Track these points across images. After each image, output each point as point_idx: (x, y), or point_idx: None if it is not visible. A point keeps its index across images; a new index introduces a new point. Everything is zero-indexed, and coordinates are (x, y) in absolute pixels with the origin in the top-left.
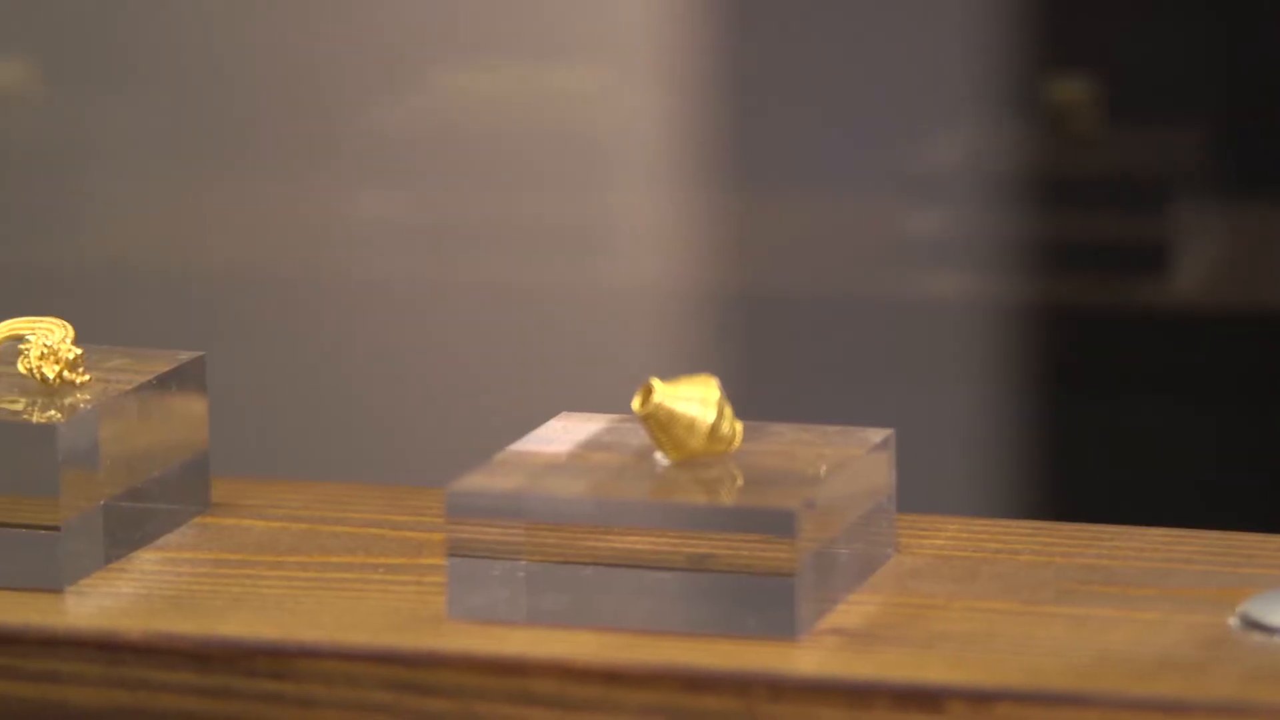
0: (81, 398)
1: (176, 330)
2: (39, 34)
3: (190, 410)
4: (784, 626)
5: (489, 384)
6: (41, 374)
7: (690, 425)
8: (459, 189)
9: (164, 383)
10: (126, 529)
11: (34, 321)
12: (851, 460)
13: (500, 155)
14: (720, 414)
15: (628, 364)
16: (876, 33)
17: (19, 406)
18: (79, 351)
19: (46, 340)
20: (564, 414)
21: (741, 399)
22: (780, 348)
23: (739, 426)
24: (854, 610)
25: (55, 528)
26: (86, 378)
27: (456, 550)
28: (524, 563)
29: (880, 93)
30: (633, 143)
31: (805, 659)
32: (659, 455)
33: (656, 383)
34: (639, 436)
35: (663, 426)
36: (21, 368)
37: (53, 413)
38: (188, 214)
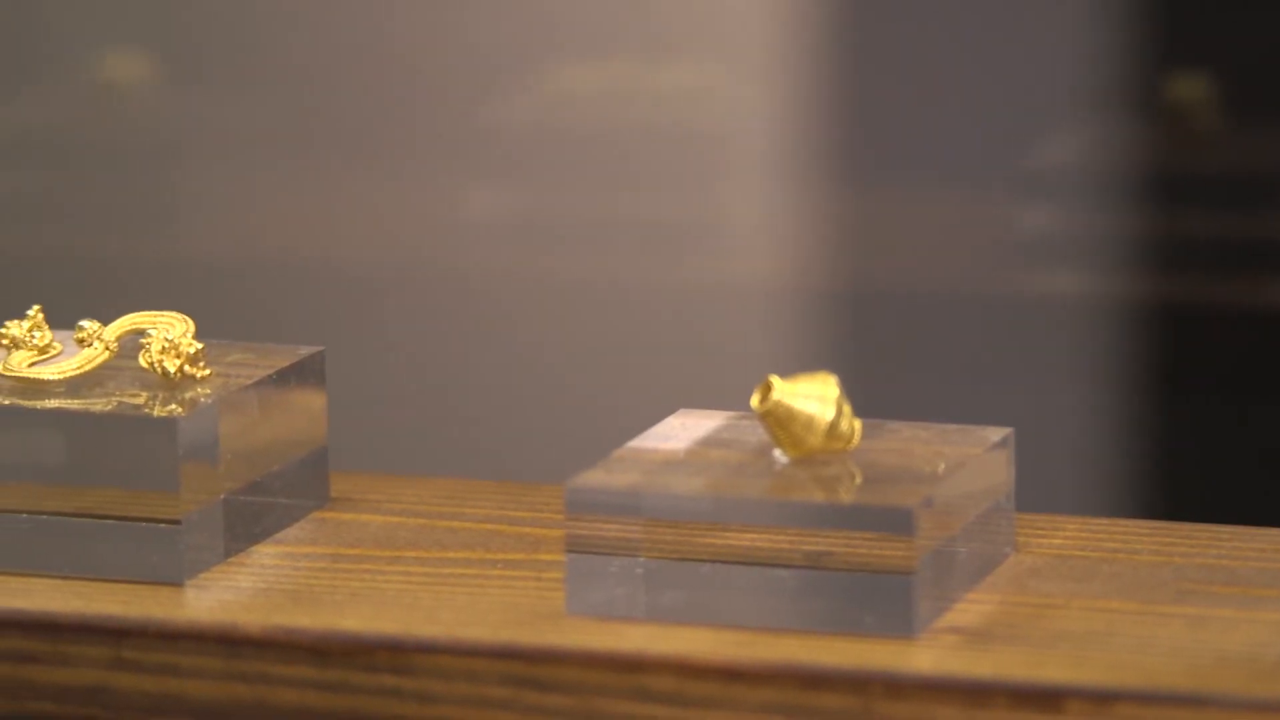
0: (202, 392)
1: (296, 325)
2: (159, 28)
3: (309, 405)
4: (902, 625)
5: (605, 380)
6: (163, 368)
7: (809, 423)
8: (573, 186)
9: (284, 377)
10: (246, 523)
11: (155, 316)
12: (970, 459)
13: (613, 152)
14: (839, 412)
15: (743, 361)
16: (993, 30)
17: (140, 401)
18: (200, 346)
19: (168, 334)
20: (682, 411)
21: (856, 396)
22: (894, 345)
23: (857, 424)
24: (972, 609)
25: (176, 522)
26: (207, 372)
27: (575, 546)
28: (642, 559)
29: (997, 89)
30: (746, 139)
31: (923, 657)
32: (777, 452)
33: (775, 380)
34: (757, 434)
35: (781, 424)
36: (143, 362)
37: (174, 407)
38: (308, 209)
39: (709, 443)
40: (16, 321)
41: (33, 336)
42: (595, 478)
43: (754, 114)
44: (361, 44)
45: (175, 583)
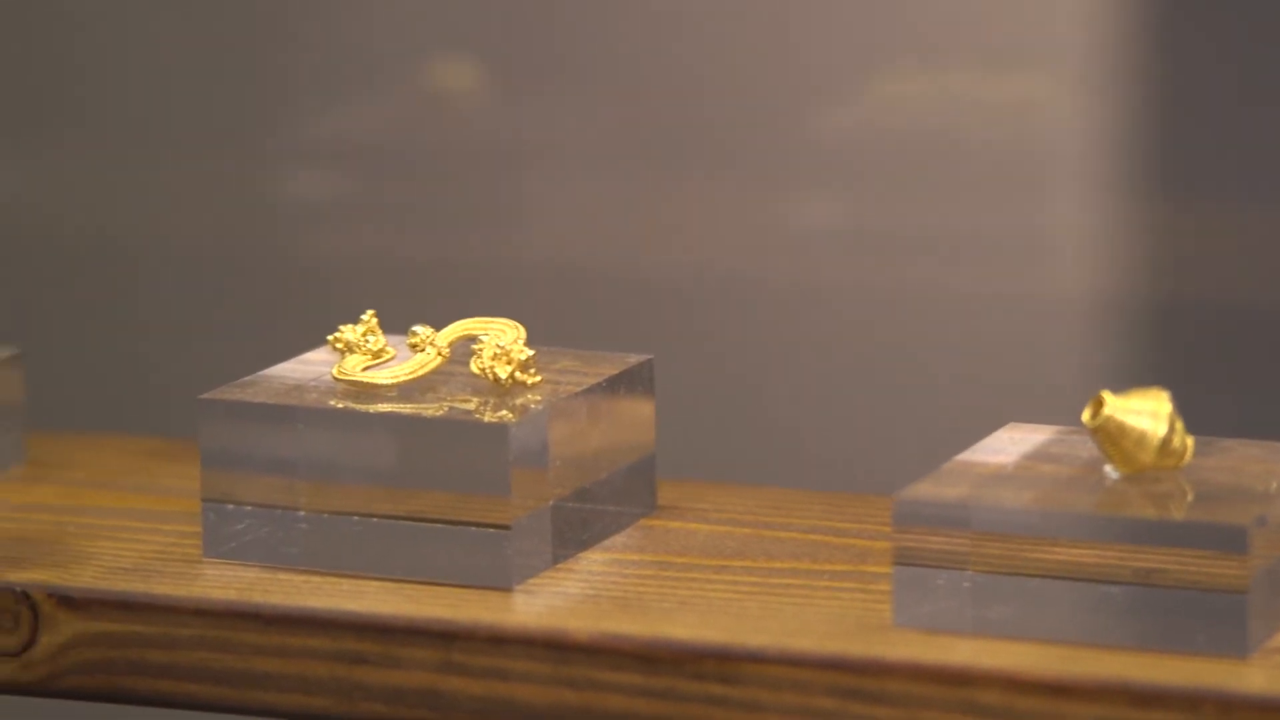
0: (532, 398)
1: (625, 332)
2: (489, 36)
3: (638, 413)
4: (1234, 644)
5: (929, 392)
6: (494, 374)
7: (1140, 439)
8: (900, 197)
9: (613, 385)
10: (574, 529)
11: (487, 322)
12: None
13: (938, 163)
14: (1171, 428)
15: (1068, 374)
16: None
17: (471, 406)
18: (531, 353)
19: (499, 341)
20: (1012, 424)
21: (1182, 412)
22: (1219, 359)
23: (1189, 441)
24: None
25: (505, 527)
26: (538, 379)
27: (903, 559)
28: (970, 572)
29: None
30: (1069, 151)
31: (1256, 677)
32: (1108, 468)
33: (1108, 395)
34: (1088, 449)
35: (1112, 439)
36: (474, 367)
37: (504, 413)
38: (636, 217)
39: (1038, 456)
40: (350, 326)
41: (366, 341)
42: (924, 490)
43: (1079, 126)
44: (693, 51)
45: (504, 587)
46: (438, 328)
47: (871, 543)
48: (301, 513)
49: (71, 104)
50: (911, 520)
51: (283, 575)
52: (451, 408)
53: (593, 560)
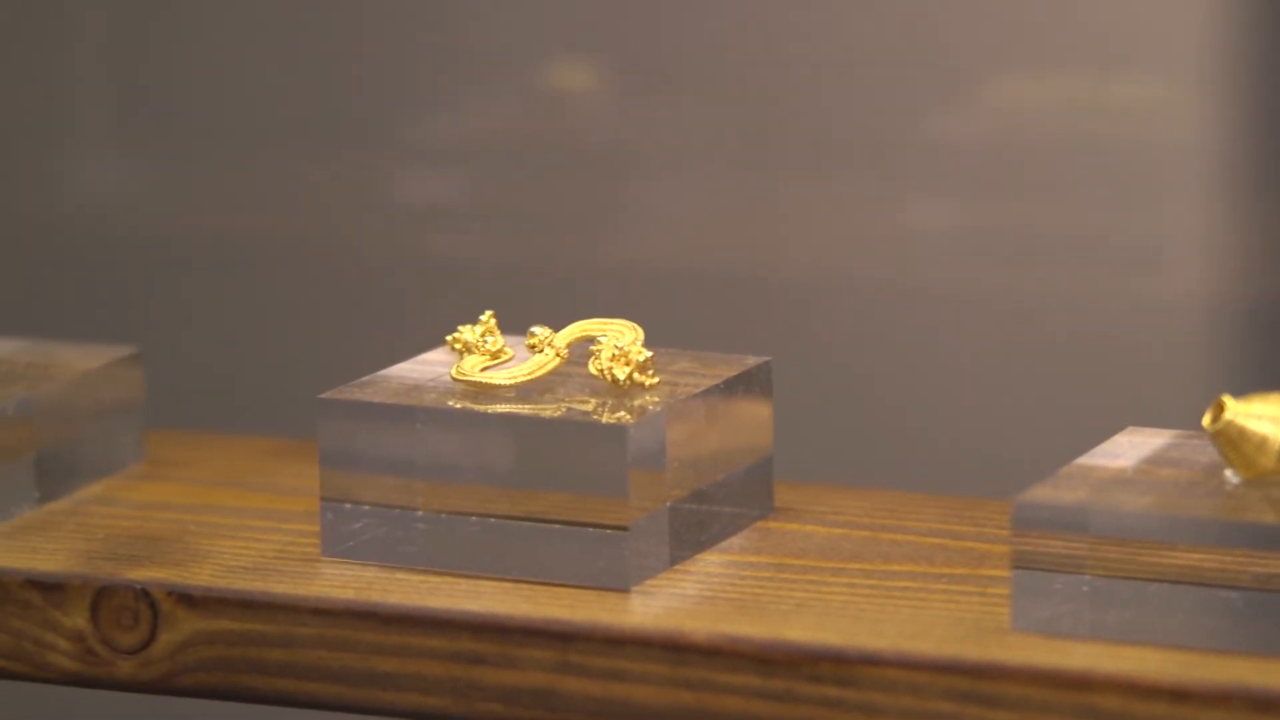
0: (650, 400)
1: (743, 335)
2: (607, 38)
3: (755, 415)
4: None
5: (1047, 395)
6: (612, 375)
7: (1261, 443)
8: (1014, 199)
9: (731, 387)
10: (692, 531)
11: (605, 323)
12: None
13: (1054, 165)
14: None
15: (1186, 378)
16: None
17: (589, 407)
18: (649, 354)
19: (618, 342)
20: (1130, 428)
21: None
22: None
23: None
24: None
25: (623, 528)
26: (655, 380)
27: (1021, 562)
28: (1088, 577)
29: None
30: (1187, 153)
31: None
32: (1228, 473)
33: (1228, 400)
34: (1207, 453)
35: (1233, 444)
36: (593, 368)
37: (622, 414)
38: (754, 219)
39: (1157, 461)
40: (469, 326)
41: (485, 341)
42: (1043, 494)
43: (1196, 127)
44: (809, 53)
45: (621, 588)
46: (556, 329)
47: (990, 546)
48: (419, 513)
49: (194, 105)
50: (1030, 524)
51: (400, 575)
52: (569, 409)
53: (710, 562)
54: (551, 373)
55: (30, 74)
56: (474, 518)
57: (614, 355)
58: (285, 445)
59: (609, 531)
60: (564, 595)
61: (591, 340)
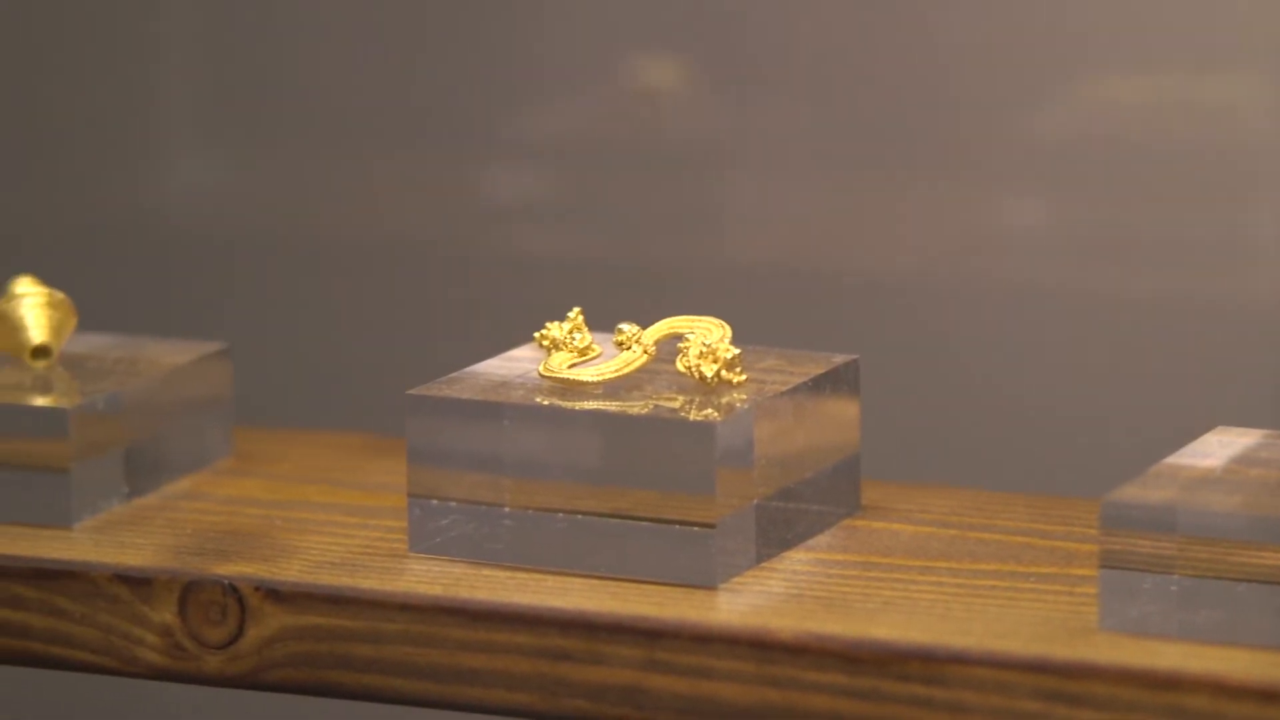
0: (738, 397)
1: (830, 332)
2: (698, 34)
3: (843, 413)
4: None
5: (1136, 395)
6: (700, 372)
7: None
8: (1107, 199)
9: (818, 384)
10: (778, 528)
11: (693, 320)
12: None
13: (1148, 166)
14: None
15: (1276, 378)
16: None
17: (677, 404)
18: (737, 351)
19: (705, 339)
20: (1220, 428)
21: None
22: None
23: None
24: None
25: (710, 525)
26: (743, 378)
27: (1109, 562)
28: (1177, 576)
29: None
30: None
31: None
32: None
33: None
34: None
35: None
36: (680, 366)
37: (710, 411)
38: (842, 217)
39: (1246, 460)
40: (557, 323)
41: (573, 338)
42: (1132, 493)
43: None
44: (903, 51)
45: (708, 586)
46: (644, 326)
47: (1078, 545)
48: (506, 509)
49: (283, 102)
50: (1119, 523)
51: (487, 571)
52: (657, 406)
53: (796, 560)
54: (639, 370)
55: (120, 73)
56: (561, 514)
57: (702, 352)
58: (373, 441)
59: (696, 529)
60: (651, 592)
61: (679, 337)
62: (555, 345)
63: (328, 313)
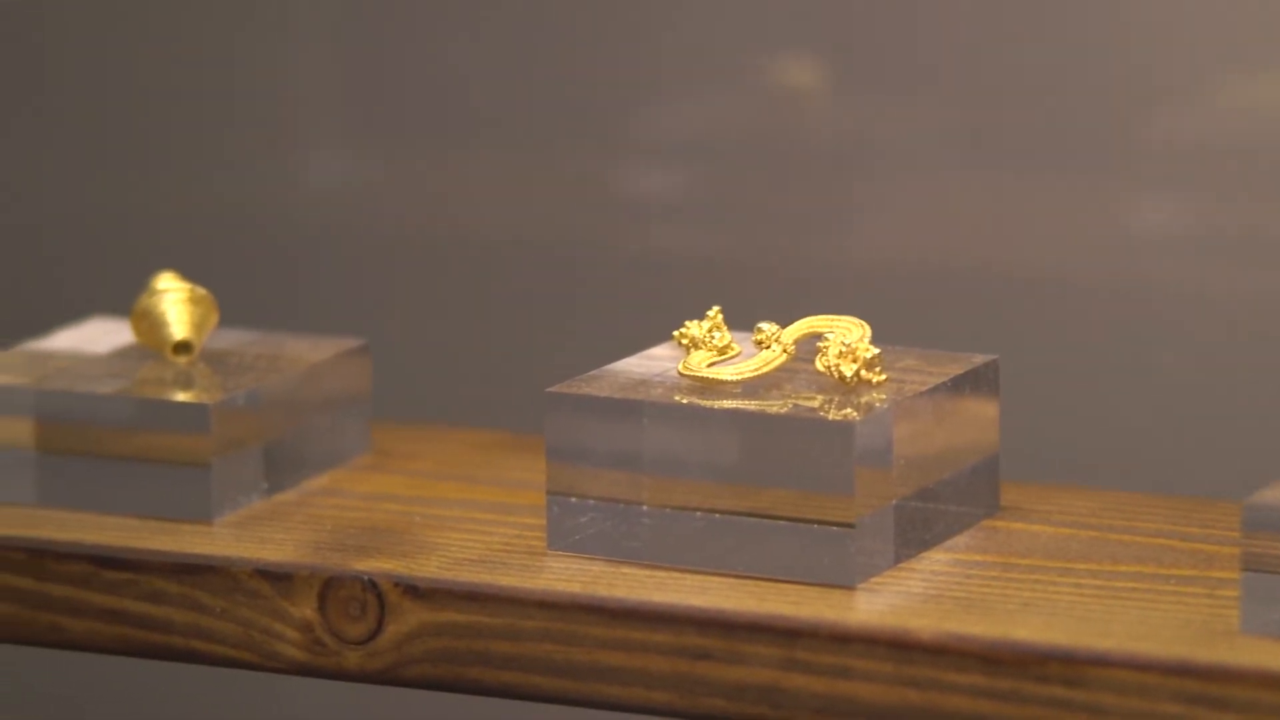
0: (877, 397)
1: (969, 331)
2: (834, 33)
3: (982, 413)
4: None
5: (1277, 396)
6: (839, 372)
7: None
8: (1242, 200)
9: (958, 385)
10: (917, 529)
11: (833, 320)
12: None
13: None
14: None
15: None
16: None
17: (816, 404)
18: (876, 351)
19: (845, 339)
20: None
21: None
22: None
23: None
24: None
25: (849, 525)
26: (883, 377)
27: (1251, 565)
28: None
29: None
30: None
31: None
32: None
33: None
34: None
35: None
36: (819, 365)
37: (849, 411)
38: (980, 216)
39: None
40: (696, 322)
41: (712, 337)
42: (1274, 496)
43: None
44: (1036, 50)
45: (846, 585)
46: (783, 325)
47: (1218, 548)
48: (645, 507)
49: (423, 101)
50: (1261, 526)
51: (626, 569)
52: (796, 405)
53: (935, 560)
54: (778, 369)
55: (261, 70)
56: (699, 513)
57: (841, 352)
58: (511, 438)
59: (835, 528)
60: (789, 591)
61: (818, 337)
62: (694, 344)
63: (466, 309)
